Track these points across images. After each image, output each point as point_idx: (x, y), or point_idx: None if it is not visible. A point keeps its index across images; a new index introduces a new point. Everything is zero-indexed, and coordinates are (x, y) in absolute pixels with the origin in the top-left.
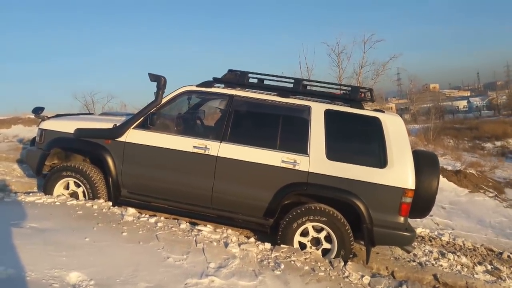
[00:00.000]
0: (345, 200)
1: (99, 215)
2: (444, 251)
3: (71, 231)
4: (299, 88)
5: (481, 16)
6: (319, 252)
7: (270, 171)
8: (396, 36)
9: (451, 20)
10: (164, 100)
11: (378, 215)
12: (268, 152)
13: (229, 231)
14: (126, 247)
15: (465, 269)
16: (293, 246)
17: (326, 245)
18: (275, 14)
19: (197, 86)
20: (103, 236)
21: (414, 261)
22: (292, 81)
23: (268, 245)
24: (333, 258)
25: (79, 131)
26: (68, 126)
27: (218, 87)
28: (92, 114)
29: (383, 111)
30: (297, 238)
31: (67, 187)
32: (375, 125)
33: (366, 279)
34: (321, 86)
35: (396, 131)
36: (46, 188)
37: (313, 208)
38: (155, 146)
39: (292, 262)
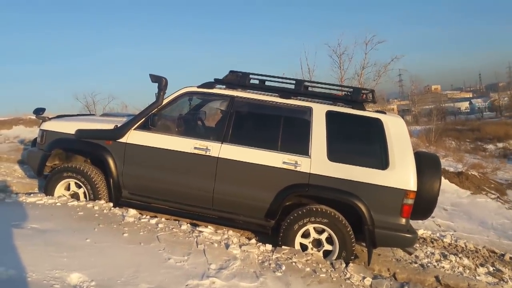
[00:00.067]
0: (347, 201)
1: (100, 216)
2: (446, 253)
3: (72, 232)
4: (301, 89)
5: (483, 17)
6: (321, 253)
7: (271, 172)
8: (398, 37)
9: (453, 21)
10: (165, 101)
11: (379, 216)
12: (269, 154)
13: (230, 232)
14: (127, 248)
15: (467, 271)
16: (294, 247)
17: (327, 247)
18: (275, 15)
19: (198, 87)
20: (104, 237)
21: (416, 262)
22: (294, 82)
23: (269, 247)
24: (335, 259)
25: (80, 132)
26: (69, 127)
27: (219, 88)
28: (93, 115)
29: (384, 112)
30: (298, 239)
31: (68, 188)
32: (377, 126)
33: (368, 281)
34: (322, 87)
35: (397, 133)
36: (47, 189)
37: (314, 209)
38: (156, 147)
39: (293, 264)
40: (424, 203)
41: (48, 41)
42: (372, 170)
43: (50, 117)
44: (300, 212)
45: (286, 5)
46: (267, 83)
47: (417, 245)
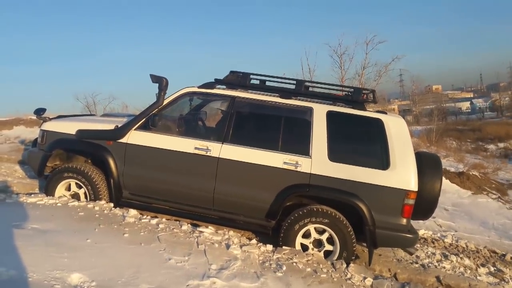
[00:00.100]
0: (347, 201)
1: (101, 217)
2: (447, 253)
3: (73, 233)
4: (301, 89)
5: (484, 17)
6: (321, 254)
7: (272, 172)
8: (399, 37)
9: (454, 21)
10: (165, 102)
11: (380, 217)
12: (270, 154)
13: (231, 232)
14: (128, 248)
15: (468, 271)
16: (295, 247)
17: (328, 247)
18: (276, 16)
19: (199, 87)
20: (105, 237)
21: (416, 263)
22: (294, 82)
23: (270, 247)
24: (335, 260)
25: (80, 132)
26: (70, 127)
27: (220, 88)
28: (94, 115)
29: (385, 113)
30: (299, 239)
31: (68, 188)
32: (378, 126)
33: (369, 281)
34: (323, 88)
35: (398, 133)
36: (48, 189)
37: (315, 209)
38: (156, 148)
39: (294, 264)
40: (425, 203)
41: (49, 42)
42: (373, 170)
43: (50, 117)
44: (300, 213)
45: (286, 5)
46: (267, 83)
47: (418, 245)
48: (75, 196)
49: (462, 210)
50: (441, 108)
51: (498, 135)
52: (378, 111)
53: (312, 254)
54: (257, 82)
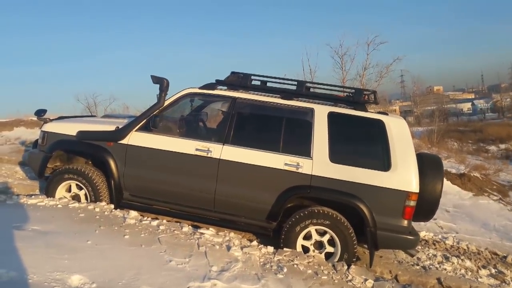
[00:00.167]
0: (349, 203)
1: (101, 218)
2: (448, 255)
3: (73, 234)
4: (302, 90)
5: (485, 18)
6: (322, 255)
7: (273, 174)
8: (400, 38)
9: (455, 22)
10: (166, 103)
11: (381, 218)
12: (271, 155)
13: (232, 234)
14: (128, 250)
15: (469, 273)
16: (296, 249)
17: (329, 249)
18: (277, 16)
19: (200, 88)
20: (105, 239)
21: (417, 264)
22: (295, 83)
23: (270, 249)
24: (336, 261)
25: (81, 133)
26: (70, 129)
27: (221, 89)
28: (95, 116)
29: (386, 114)
30: (300, 241)
31: (69, 189)
32: (379, 127)
33: (370, 283)
34: (324, 88)
35: (400, 134)
36: (48, 190)
37: (316, 211)
38: (157, 149)
39: (295, 266)
40: (426, 205)
41: (49, 43)
42: (374, 171)
43: (51, 118)
44: (302, 214)
45: (287, 5)
46: (268, 84)
47: (419, 247)
48: (76, 198)
49: (463, 211)
50: (442, 109)
51: (500, 136)
52: (379, 112)
53: (313, 256)
54: (258, 83)
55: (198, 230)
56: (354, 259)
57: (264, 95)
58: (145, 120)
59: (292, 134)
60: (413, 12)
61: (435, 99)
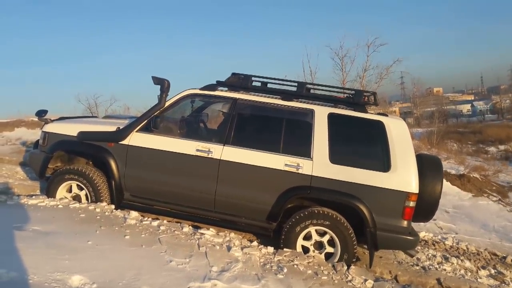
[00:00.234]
0: (348, 204)
1: (102, 218)
2: (447, 255)
3: (74, 234)
4: (303, 91)
5: (485, 20)
6: (322, 256)
7: (273, 174)
8: (400, 39)
9: (454, 23)
10: (167, 103)
11: (381, 219)
12: (271, 156)
13: (232, 234)
14: (129, 250)
15: (469, 273)
16: (296, 250)
17: (329, 249)
18: (277, 17)
19: (201, 89)
20: (106, 239)
21: (417, 265)
22: (296, 84)
23: (271, 249)
24: (336, 262)
25: (82, 134)
26: (71, 129)
27: (222, 90)
28: (95, 117)
29: (386, 115)
30: (300, 242)
31: (70, 190)
32: (379, 128)
33: (369, 283)
34: (324, 90)
35: (399, 135)
36: (49, 191)
37: (316, 211)
38: (158, 149)
39: (295, 266)
40: (426, 206)
41: (50, 44)
42: (374, 172)
43: (52, 119)
44: (302, 215)
45: (287, 6)
46: (269, 85)
47: (419, 247)
48: (76, 198)
49: (463, 212)
50: (442, 111)
51: (499, 138)
52: (379, 113)
53: (313, 256)
54: (259, 84)
55: (199, 231)
56: (354, 260)
57: (265, 96)
58: (146, 121)
59: (292, 135)
60: (413, 13)
61: (435, 101)
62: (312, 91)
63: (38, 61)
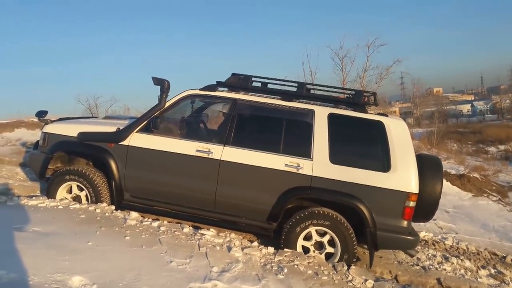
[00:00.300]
0: (349, 204)
1: (102, 219)
2: (447, 255)
3: (74, 235)
4: (303, 92)
5: (485, 20)
6: (323, 256)
7: (273, 175)
8: (399, 39)
9: (454, 23)
10: (167, 104)
11: (381, 219)
12: (272, 156)
13: (232, 235)
14: (129, 251)
15: (469, 273)
16: (296, 250)
17: (329, 249)
18: (277, 17)
19: (201, 89)
20: (106, 240)
21: (417, 265)
22: (296, 85)
23: (271, 249)
24: (337, 262)
25: (82, 134)
26: (71, 130)
27: (222, 90)
28: (96, 117)
29: (386, 115)
30: (300, 242)
31: (70, 190)
32: (379, 129)
33: (370, 283)
34: (324, 90)
35: (399, 135)
36: (49, 191)
37: (316, 212)
38: (158, 150)
39: (295, 266)
40: (425, 206)
41: (50, 45)
42: (374, 172)
43: (52, 119)
44: (302, 215)
45: (286, 6)
46: (269, 85)
47: (419, 247)
48: (77, 199)
49: (463, 212)
50: (442, 111)
51: (499, 138)
52: (379, 114)
53: (314, 256)
54: (259, 84)
55: (199, 231)
56: (354, 260)
57: (265, 97)
58: (146, 122)
59: (292, 135)
60: (413, 13)
61: (435, 101)
62: (312, 91)
63: (38, 62)
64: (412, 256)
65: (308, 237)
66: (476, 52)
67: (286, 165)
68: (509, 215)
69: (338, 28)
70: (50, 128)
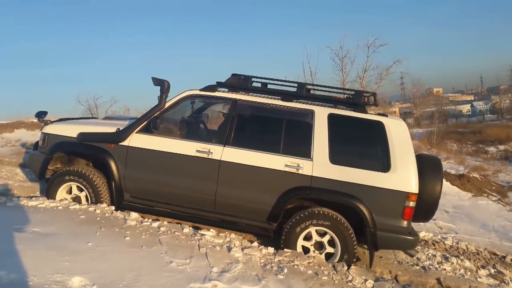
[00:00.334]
0: (348, 204)
1: (102, 220)
2: (447, 255)
3: (74, 236)
4: (303, 92)
5: (484, 20)
6: (323, 256)
7: (274, 175)
8: (399, 39)
9: (454, 23)
10: (167, 104)
11: (381, 219)
12: (272, 156)
13: (232, 235)
14: (129, 251)
15: (469, 273)
16: (296, 250)
17: (329, 249)
18: (277, 17)
19: (201, 90)
20: (106, 240)
21: (417, 265)
22: (296, 85)
23: (271, 250)
24: (337, 262)
25: (82, 135)
26: (71, 130)
27: (222, 91)
28: (95, 118)
29: (386, 115)
30: (300, 242)
31: (69, 191)
32: (379, 129)
33: (370, 283)
34: (324, 90)
35: (399, 135)
36: (49, 192)
37: (316, 212)
38: (158, 150)
39: (296, 266)
40: (425, 206)
41: (50, 45)
42: (374, 172)
43: (52, 120)
44: (302, 215)
45: (286, 6)
46: (269, 86)
47: (419, 247)
48: (76, 199)
49: (463, 212)
50: (441, 111)
51: (499, 138)
52: (379, 114)
53: (314, 257)
54: (259, 85)
55: (199, 231)
56: (354, 260)
57: (265, 97)
58: (146, 122)
59: (292, 135)
60: (412, 13)
61: (435, 101)
62: (312, 91)
63: (38, 62)
64: (412, 256)
65: (308, 237)
66: (476, 52)
67: (286, 165)
68: (509, 215)
69: (338, 28)
70: (50, 129)
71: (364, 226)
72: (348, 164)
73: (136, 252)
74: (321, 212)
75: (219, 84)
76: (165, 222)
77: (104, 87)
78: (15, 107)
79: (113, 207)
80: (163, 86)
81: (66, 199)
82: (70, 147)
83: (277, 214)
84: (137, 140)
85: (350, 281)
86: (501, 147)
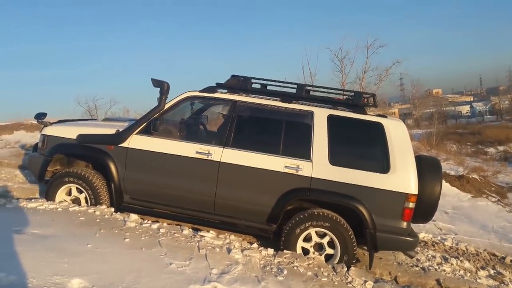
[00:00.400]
0: (348, 205)
1: (101, 221)
2: (447, 256)
3: (73, 238)
4: (302, 93)
5: (484, 21)
6: (322, 257)
7: (273, 176)
8: (399, 40)
9: (453, 24)
10: (167, 106)
11: (381, 220)
12: (271, 158)
13: (232, 237)
14: (128, 253)
15: (468, 274)
16: (296, 251)
17: (329, 251)
18: (277, 18)
19: (200, 91)
20: (105, 242)
21: (417, 266)
22: (295, 86)
23: (271, 251)
24: (336, 263)
25: (81, 136)
26: (70, 132)
27: (221, 92)
28: (95, 119)
29: (386, 116)
30: (300, 243)
31: (69, 193)
32: (378, 130)
33: (369, 284)
34: (324, 92)
35: (399, 136)
36: (48, 194)
37: (316, 213)
38: (158, 152)
39: (295, 268)
40: (425, 207)
41: (50, 46)
42: (373, 174)
43: (51, 122)
44: (301, 216)
45: (286, 6)
46: (268, 87)
47: (418, 248)
48: (76, 201)
49: (462, 213)
50: (441, 112)
51: (498, 139)
52: (378, 115)
53: (313, 258)
54: (258, 86)
55: (199, 233)
56: (354, 261)
57: (264, 98)
58: (145, 123)
59: (292, 137)
60: (412, 13)
61: (434, 102)
62: (311, 93)
63: (38, 64)
64: (411, 257)
65: (307, 239)
66: (475, 53)
67: (286, 166)
68: (508, 216)
69: (338, 28)
70: (49, 130)
71: (364, 227)
72: (348, 165)
73: (135, 254)
74: (321, 213)
75: (219, 86)
76: (165, 224)
77: (104, 89)
78: (14, 109)
79: (112, 209)
80: (162, 87)
81: (65, 200)
82: (70, 148)
83: (277, 215)
84: (136, 141)
85: (350, 282)
86: (501, 148)
